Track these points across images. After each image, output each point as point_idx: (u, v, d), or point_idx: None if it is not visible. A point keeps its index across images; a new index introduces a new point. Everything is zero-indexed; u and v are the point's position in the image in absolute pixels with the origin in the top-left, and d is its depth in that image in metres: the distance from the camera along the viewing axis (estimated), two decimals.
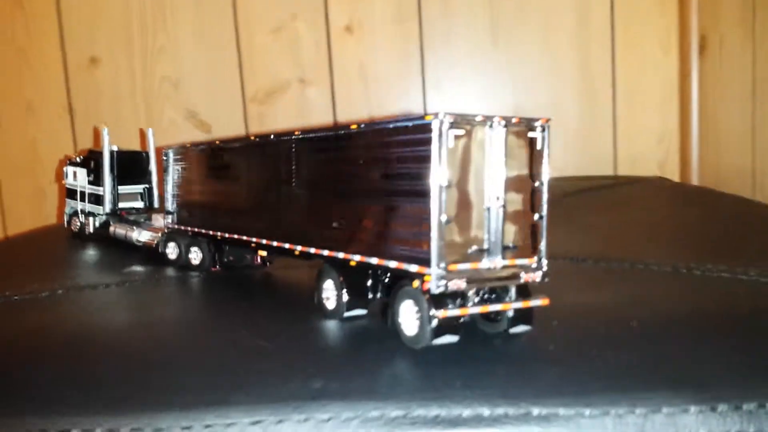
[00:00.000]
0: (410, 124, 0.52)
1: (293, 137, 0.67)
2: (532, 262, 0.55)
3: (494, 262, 0.53)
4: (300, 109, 1.85)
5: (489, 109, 1.83)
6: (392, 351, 0.54)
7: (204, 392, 0.48)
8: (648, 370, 0.50)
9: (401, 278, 0.55)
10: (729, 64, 1.63)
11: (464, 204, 0.52)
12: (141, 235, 1.02)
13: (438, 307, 0.52)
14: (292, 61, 1.84)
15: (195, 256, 0.91)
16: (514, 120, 0.53)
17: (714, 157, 1.69)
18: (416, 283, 0.53)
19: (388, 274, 0.59)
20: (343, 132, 0.60)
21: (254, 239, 0.75)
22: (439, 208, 0.50)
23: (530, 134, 0.54)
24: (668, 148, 1.83)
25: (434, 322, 0.52)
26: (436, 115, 0.50)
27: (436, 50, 1.83)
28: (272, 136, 0.71)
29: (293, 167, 0.67)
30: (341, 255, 0.61)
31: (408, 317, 0.54)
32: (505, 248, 0.54)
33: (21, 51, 1.83)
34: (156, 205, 1.13)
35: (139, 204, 1.13)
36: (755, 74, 1.52)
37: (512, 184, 0.54)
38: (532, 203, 0.55)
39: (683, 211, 1.14)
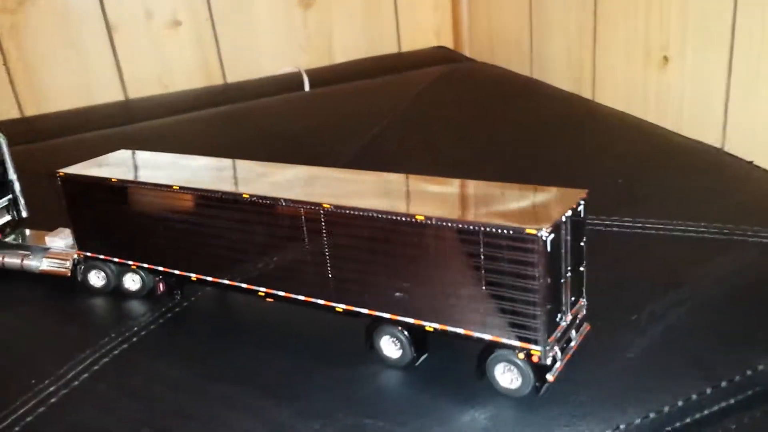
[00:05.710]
0: (510, 233, 0.59)
1: (323, 210, 0.69)
2: (581, 303, 0.68)
3: (567, 318, 0.65)
4: (64, 17, 1.62)
5: None
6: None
7: None
8: None
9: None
10: None
11: (556, 285, 0.62)
12: (42, 263, 0.94)
13: (544, 371, 0.63)
14: None
15: (133, 282, 0.90)
16: (579, 208, 0.63)
17: (485, 24, 1.84)
18: (522, 355, 0.63)
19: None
20: (405, 219, 0.64)
21: (261, 289, 0.77)
22: (545, 301, 0.60)
23: (579, 208, 0.65)
24: (443, 16, 1.94)
25: (545, 387, 0.64)
26: (539, 230, 0.58)
27: None
28: (282, 201, 0.71)
29: (324, 240, 0.69)
30: (410, 320, 0.68)
31: (503, 377, 0.65)
32: (572, 303, 0.66)
33: None
34: (24, 215, 1.01)
35: (7, 218, 1.00)
36: None
37: (573, 253, 0.65)
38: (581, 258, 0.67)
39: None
